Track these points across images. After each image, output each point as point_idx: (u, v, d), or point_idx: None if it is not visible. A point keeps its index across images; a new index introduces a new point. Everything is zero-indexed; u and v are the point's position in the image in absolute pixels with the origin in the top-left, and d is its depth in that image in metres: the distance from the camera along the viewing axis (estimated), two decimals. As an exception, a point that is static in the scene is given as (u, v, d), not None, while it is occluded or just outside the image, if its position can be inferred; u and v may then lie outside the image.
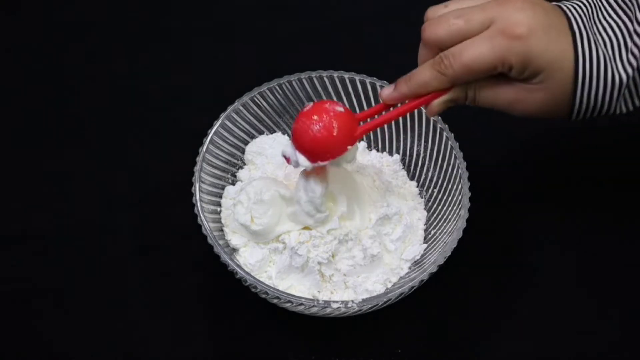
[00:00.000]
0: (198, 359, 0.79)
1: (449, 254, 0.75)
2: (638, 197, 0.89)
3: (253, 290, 0.74)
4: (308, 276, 0.77)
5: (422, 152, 0.85)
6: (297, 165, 0.73)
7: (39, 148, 0.91)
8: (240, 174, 0.84)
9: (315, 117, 0.71)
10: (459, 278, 0.82)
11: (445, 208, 0.81)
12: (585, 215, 0.88)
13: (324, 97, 0.86)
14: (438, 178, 0.83)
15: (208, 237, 0.75)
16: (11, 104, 0.94)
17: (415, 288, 0.74)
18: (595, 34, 0.68)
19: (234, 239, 0.79)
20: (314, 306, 0.73)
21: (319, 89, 0.85)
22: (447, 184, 0.81)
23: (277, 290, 0.73)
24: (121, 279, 0.83)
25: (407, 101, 0.73)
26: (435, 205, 0.83)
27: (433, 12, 0.72)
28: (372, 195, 0.80)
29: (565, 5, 0.70)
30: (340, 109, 0.72)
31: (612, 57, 0.68)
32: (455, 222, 0.78)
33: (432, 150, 0.84)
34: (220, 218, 0.80)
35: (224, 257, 0.74)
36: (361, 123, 0.74)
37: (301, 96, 0.86)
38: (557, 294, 0.83)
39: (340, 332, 0.80)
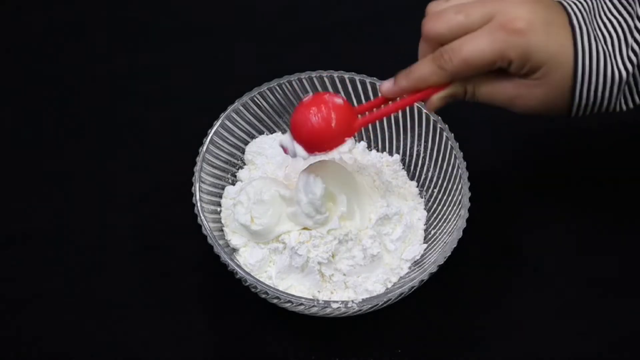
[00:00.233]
0: (198, 359, 0.79)
1: (449, 254, 0.75)
2: (638, 197, 0.89)
3: (253, 290, 0.74)
4: (308, 276, 0.77)
5: (422, 152, 0.85)
6: (294, 155, 0.73)
7: (39, 148, 0.91)
8: (240, 174, 0.84)
9: (314, 109, 0.71)
10: (459, 278, 0.82)
11: (445, 208, 0.81)
12: (585, 215, 0.88)
13: (324, 97, 0.86)
14: (438, 178, 0.83)
15: (208, 237, 0.75)
16: (11, 104, 0.94)
17: (415, 288, 0.74)
18: (595, 29, 0.69)
19: (234, 239, 0.79)
20: (314, 306, 0.73)
21: (319, 89, 0.85)
22: (447, 184, 0.81)
23: (277, 290, 0.73)
24: (121, 279, 0.83)
25: (405, 95, 0.73)
26: (435, 205, 0.83)
27: (434, 6, 0.72)
28: (372, 195, 0.80)
29: (565, 1, 0.70)
30: (339, 100, 0.72)
31: (611, 53, 0.68)
32: (455, 222, 0.78)
33: (432, 150, 0.84)
34: (220, 218, 0.80)
35: (224, 257, 0.74)
36: (360, 117, 0.74)
37: (301, 96, 0.86)
38: (557, 294, 0.83)
39: (340, 332, 0.80)
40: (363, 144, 0.87)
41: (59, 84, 0.96)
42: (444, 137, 0.82)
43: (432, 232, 0.81)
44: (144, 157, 0.91)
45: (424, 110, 0.83)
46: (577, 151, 0.92)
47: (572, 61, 0.68)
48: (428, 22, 0.71)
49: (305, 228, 0.77)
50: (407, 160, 0.86)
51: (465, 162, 0.79)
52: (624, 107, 0.70)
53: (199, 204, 0.77)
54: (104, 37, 1.00)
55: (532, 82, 0.69)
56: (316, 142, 0.72)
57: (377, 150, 0.87)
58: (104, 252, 0.84)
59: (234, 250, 0.79)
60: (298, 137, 0.72)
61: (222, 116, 0.82)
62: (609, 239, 0.86)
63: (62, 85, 0.96)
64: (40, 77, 0.96)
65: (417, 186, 0.85)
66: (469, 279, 0.83)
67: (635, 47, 0.67)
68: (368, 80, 0.84)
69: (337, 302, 0.73)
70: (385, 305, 0.75)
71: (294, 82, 0.85)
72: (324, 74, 0.85)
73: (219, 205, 0.81)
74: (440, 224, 0.81)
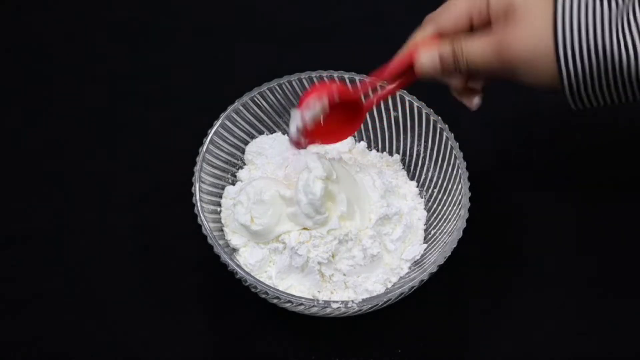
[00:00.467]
0: (198, 359, 0.79)
1: (449, 254, 0.75)
2: (638, 197, 0.89)
3: (253, 290, 0.74)
4: (308, 276, 0.77)
5: (422, 152, 0.85)
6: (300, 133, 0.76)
7: (39, 148, 0.91)
8: (240, 174, 0.84)
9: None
10: (459, 278, 0.82)
11: (445, 208, 0.81)
12: (586, 215, 0.88)
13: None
14: (438, 178, 0.83)
15: (208, 237, 0.75)
16: (11, 104, 0.94)
17: (415, 288, 0.74)
18: None
19: (234, 239, 0.79)
20: (314, 306, 0.73)
21: (319, 89, 0.85)
22: (447, 184, 0.81)
23: (277, 290, 0.73)
24: (121, 279, 0.83)
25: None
26: (435, 205, 0.83)
27: None
28: (372, 195, 0.80)
29: None
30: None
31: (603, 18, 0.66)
32: (455, 222, 0.78)
33: (432, 150, 0.84)
34: (220, 218, 0.80)
35: (224, 257, 0.74)
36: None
37: (301, 96, 0.86)
38: (557, 294, 0.83)
39: (340, 332, 0.80)
40: (363, 144, 0.87)
41: (59, 84, 0.96)
42: (444, 137, 0.82)
43: (432, 232, 0.81)
44: (144, 157, 0.91)
45: (424, 110, 0.83)
46: (577, 151, 0.92)
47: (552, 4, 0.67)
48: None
49: (305, 228, 0.77)
50: (407, 160, 0.86)
51: (465, 162, 0.79)
52: (630, 98, 0.69)
53: (199, 204, 0.77)
54: (104, 37, 1.00)
55: (514, 25, 0.68)
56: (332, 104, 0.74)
57: (377, 150, 0.87)
58: (104, 252, 0.84)
59: (234, 250, 0.79)
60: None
61: (222, 116, 0.82)
62: (609, 239, 0.86)
63: (62, 85, 0.96)
64: (40, 77, 0.96)
65: (417, 186, 0.85)
66: (469, 279, 0.83)
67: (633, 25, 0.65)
68: (368, 80, 0.84)
69: (337, 302, 0.73)
70: (385, 305, 0.75)
71: (294, 82, 0.85)
72: (324, 74, 0.85)
73: (219, 205, 0.81)
74: (440, 224, 0.81)
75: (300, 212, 0.76)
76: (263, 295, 0.74)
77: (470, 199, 0.77)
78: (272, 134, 0.86)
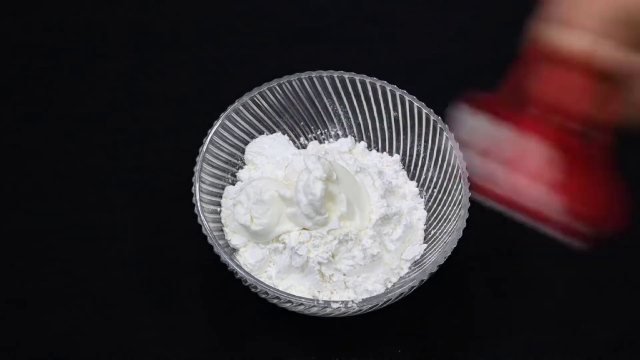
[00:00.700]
0: (198, 359, 0.79)
1: (449, 254, 0.75)
2: (638, 196, 0.89)
3: (253, 290, 0.74)
4: (308, 276, 0.77)
5: (422, 152, 0.85)
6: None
7: (39, 148, 0.91)
8: (240, 174, 0.84)
9: None
10: (459, 278, 0.82)
11: (445, 208, 0.81)
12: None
13: (324, 97, 0.86)
14: (438, 178, 0.83)
15: (208, 237, 0.75)
16: (11, 104, 0.94)
17: (415, 288, 0.74)
18: None
19: (234, 239, 0.79)
20: (314, 306, 0.73)
21: (319, 89, 0.85)
22: (447, 184, 0.81)
23: (277, 290, 0.73)
24: (121, 279, 0.83)
25: None
26: (435, 205, 0.83)
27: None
28: (372, 195, 0.80)
29: None
30: None
31: None
32: (455, 222, 0.78)
33: (432, 150, 0.84)
34: (220, 218, 0.80)
35: (224, 257, 0.74)
36: None
37: (301, 96, 0.86)
38: (557, 294, 0.83)
39: (340, 332, 0.80)
40: (363, 144, 0.87)
41: (59, 84, 0.96)
42: (444, 137, 0.82)
43: (432, 232, 0.81)
44: (144, 157, 0.91)
45: (424, 110, 0.83)
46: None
47: None
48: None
49: (305, 228, 0.77)
50: (407, 160, 0.86)
51: (465, 162, 0.79)
52: None
53: (199, 204, 0.77)
54: (104, 37, 1.00)
55: None
56: None
57: (377, 150, 0.87)
58: (104, 252, 0.84)
59: (234, 250, 0.79)
60: None
61: (222, 116, 0.82)
62: (608, 239, 0.86)
63: (62, 85, 0.95)
64: (40, 77, 0.96)
65: (417, 186, 0.85)
66: (469, 279, 0.83)
67: None
68: (368, 80, 0.84)
69: (337, 302, 0.73)
70: (385, 305, 0.75)
71: (294, 82, 0.85)
72: (324, 74, 0.85)
73: (219, 205, 0.81)
74: (440, 224, 0.81)
75: (300, 213, 0.76)
76: (263, 295, 0.74)
77: (470, 199, 0.77)
78: (272, 134, 0.86)
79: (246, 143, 0.85)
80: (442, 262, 0.74)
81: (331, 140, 0.88)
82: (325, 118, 0.87)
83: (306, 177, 0.75)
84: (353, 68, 0.85)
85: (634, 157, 0.92)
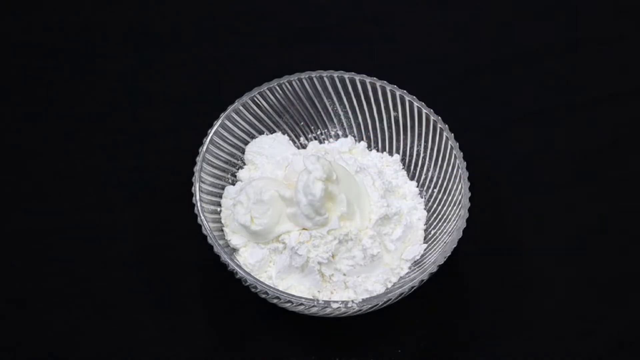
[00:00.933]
0: (198, 359, 0.79)
1: (449, 254, 0.75)
2: (638, 196, 0.89)
3: (253, 290, 0.74)
4: (308, 276, 0.77)
5: (422, 152, 0.85)
6: None
7: (39, 148, 0.91)
8: (240, 174, 0.84)
9: None
10: (459, 278, 0.82)
11: (445, 208, 0.81)
12: (586, 216, 0.88)
13: (324, 97, 0.86)
14: (438, 178, 0.83)
15: (208, 237, 0.75)
16: (11, 104, 0.94)
17: (415, 288, 0.74)
18: None
19: (234, 239, 0.79)
20: (314, 306, 0.73)
21: (319, 89, 0.86)
22: (447, 184, 0.81)
23: (277, 290, 0.73)
24: (121, 279, 0.83)
25: None
26: (435, 205, 0.83)
27: None
28: (372, 195, 0.80)
29: None
30: None
31: None
32: (455, 222, 0.78)
33: (432, 150, 0.84)
34: (220, 218, 0.80)
35: (224, 257, 0.74)
36: None
37: (301, 96, 0.86)
38: (557, 294, 0.83)
39: (340, 332, 0.80)
40: (363, 144, 0.87)
41: (59, 83, 0.96)
42: (444, 137, 0.82)
43: (432, 232, 0.81)
44: (144, 157, 0.91)
45: (424, 110, 0.83)
46: (577, 151, 0.92)
47: None
48: None
49: (304, 228, 0.77)
50: (407, 160, 0.86)
51: (465, 162, 0.79)
52: None
53: (199, 204, 0.77)
54: (104, 37, 1.00)
55: None
56: None
57: (377, 150, 0.87)
58: (104, 252, 0.84)
59: (234, 250, 0.79)
60: None
61: (222, 116, 0.82)
62: (610, 239, 0.86)
63: (62, 85, 0.96)
64: (40, 77, 0.96)
65: (417, 186, 0.85)
66: (469, 279, 0.83)
67: None
68: (368, 80, 0.84)
69: (337, 302, 0.73)
70: (385, 305, 0.75)
71: (294, 82, 0.85)
72: (324, 74, 0.85)
73: (219, 205, 0.81)
74: (440, 224, 0.81)
75: (300, 213, 0.76)
76: (263, 295, 0.74)
77: (470, 199, 0.77)
78: (272, 134, 0.86)
79: (246, 143, 0.85)
80: (442, 262, 0.74)
81: (331, 140, 0.88)
82: (325, 118, 0.87)
83: (306, 177, 0.75)
84: (353, 68, 0.85)
85: (634, 157, 0.92)
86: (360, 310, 0.74)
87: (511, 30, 1.02)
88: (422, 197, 0.84)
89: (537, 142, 0.93)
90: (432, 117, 0.83)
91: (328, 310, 0.73)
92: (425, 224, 0.83)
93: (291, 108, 0.86)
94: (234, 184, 0.83)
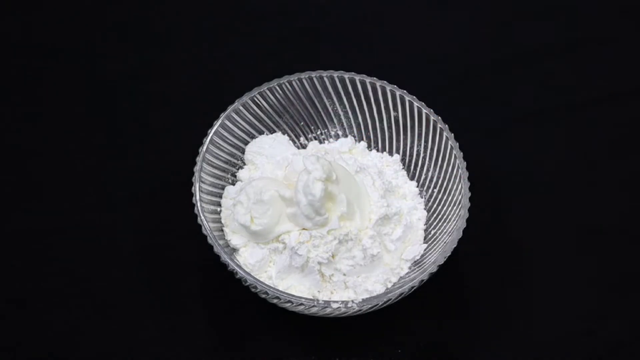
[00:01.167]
0: (198, 359, 0.79)
1: (449, 254, 0.75)
2: (638, 196, 0.89)
3: (253, 290, 0.74)
4: (308, 276, 0.77)
5: (422, 152, 0.85)
6: None
7: (39, 148, 0.91)
8: (240, 174, 0.84)
9: None
10: (459, 278, 0.82)
11: (445, 208, 0.81)
12: (587, 216, 0.88)
13: (324, 97, 0.86)
14: (438, 178, 0.83)
15: (208, 237, 0.75)
16: (11, 104, 0.94)
17: (415, 288, 0.74)
18: None
19: (234, 239, 0.79)
20: (314, 306, 0.73)
21: (319, 89, 0.86)
22: (447, 184, 0.81)
23: (277, 290, 0.73)
24: (121, 279, 0.83)
25: None
26: (435, 205, 0.83)
27: None
28: (372, 195, 0.80)
29: None
30: None
31: None
32: (455, 222, 0.78)
33: (432, 150, 0.84)
34: (220, 218, 0.80)
35: (224, 257, 0.74)
36: None
37: (301, 96, 0.86)
38: (557, 293, 0.83)
39: (340, 332, 0.80)
40: (363, 144, 0.87)
41: (59, 83, 0.96)
42: (444, 137, 0.82)
43: (432, 232, 0.81)
44: (144, 157, 0.91)
45: (424, 110, 0.83)
46: (577, 151, 0.92)
47: None
48: None
49: (305, 228, 0.77)
50: (407, 160, 0.86)
51: (465, 162, 0.79)
52: None
53: (199, 204, 0.77)
54: (104, 37, 1.00)
55: None
56: None
57: (377, 150, 0.87)
58: (104, 252, 0.84)
59: (234, 250, 0.79)
60: None
61: (222, 116, 0.82)
62: (610, 239, 0.86)
63: (62, 85, 0.96)
64: (40, 77, 0.96)
65: (417, 186, 0.85)
66: (469, 279, 0.83)
67: None
68: (368, 80, 0.84)
69: (337, 302, 0.73)
70: (385, 305, 0.75)
71: (294, 82, 0.85)
72: (324, 74, 0.85)
73: (219, 205, 0.81)
74: (440, 224, 0.81)
75: (299, 213, 0.76)
76: (263, 295, 0.74)
77: (470, 199, 0.77)
78: (272, 134, 0.86)
79: (246, 143, 0.85)
80: (442, 262, 0.74)
81: (331, 140, 0.88)
82: (325, 118, 0.87)
83: (306, 177, 0.75)
84: (353, 68, 0.85)
85: (634, 157, 0.92)
86: (360, 310, 0.74)
87: (511, 30, 1.02)
88: (422, 197, 0.84)
89: (537, 142, 0.93)
90: (432, 117, 0.83)
91: (328, 310, 0.73)
92: (425, 224, 0.83)
93: (291, 108, 0.86)
94: (234, 184, 0.83)
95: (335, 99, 0.86)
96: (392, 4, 1.03)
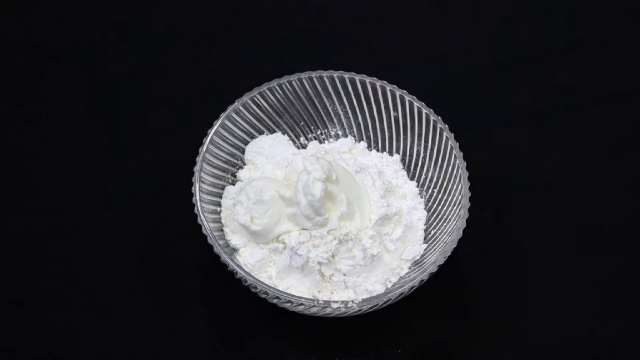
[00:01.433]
0: (198, 359, 0.79)
1: (449, 254, 0.75)
2: (637, 196, 0.89)
3: (253, 290, 0.74)
4: (308, 276, 0.77)
5: (422, 152, 0.85)
6: None
7: (39, 148, 0.91)
8: (240, 174, 0.84)
9: None
10: (459, 278, 0.82)
11: (445, 208, 0.81)
12: (586, 216, 0.88)
13: (324, 97, 0.86)
14: (438, 178, 0.83)
15: (208, 237, 0.75)
16: (11, 104, 0.94)
17: (415, 288, 0.74)
18: None
19: (234, 239, 0.79)
20: (314, 306, 0.73)
21: (319, 89, 0.86)
22: (447, 184, 0.81)
23: (277, 290, 0.73)
24: (121, 279, 0.83)
25: None
26: (435, 205, 0.83)
27: None
28: (372, 195, 0.80)
29: None
30: None
31: None
32: (455, 222, 0.78)
33: (432, 150, 0.84)
34: (220, 218, 0.80)
35: (224, 257, 0.74)
36: None
37: (301, 96, 0.86)
38: (557, 294, 0.83)
39: (340, 332, 0.80)
40: (363, 144, 0.87)
41: (59, 83, 0.96)
42: (444, 137, 0.82)
43: (432, 232, 0.81)
44: (144, 157, 0.91)
45: (424, 110, 0.83)
46: (577, 151, 0.92)
47: None
48: None
49: (305, 228, 0.77)
50: (407, 160, 0.86)
51: (465, 162, 0.79)
52: None
53: (199, 204, 0.77)
54: (104, 37, 1.00)
55: None
56: None
57: (377, 150, 0.87)
58: (104, 252, 0.84)
59: (234, 250, 0.79)
60: None
61: (222, 116, 0.82)
62: (610, 239, 0.86)
63: (62, 85, 0.95)
64: (40, 77, 0.96)
65: (417, 186, 0.85)
66: (469, 279, 0.83)
67: None
68: (368, 80, 0.84)
69: (337, 302, 0.73)
70: (385, 305, 0.75)
71: (294, 82, 0.85)
72: (324, 74, 0.85)
73: (219, 205, 0.81)
74: (440, 224, 0.81)
75: (299, 213, 0.76)
76: (263, 295, 0.74)
77: (470, 199, 0.77)
78: (272, 134, 0.86)
79: (246, 143, 0.85)
80: (442, 262, 0.74)
81: (331, 140, 0.88)
82: (325, 118, 0.87)
83: (305, 177, 0.75)
84: (353, 68, 0.85)
85: (634, 157, 0.92)
86: (360, 310, 0.74)
87: (511, 30, 1.02)
88: (422, 197, 0.84)
89: (537, 142, 0.93)
90: (432, 117, 0.83)
91: (328, 310, 0.73)
92: (425, 224, 0.83)
93: (291, 108, 0.86)
94: (234, 184, 0.83)
95: (335, 99, 0.86)
96: (392, 4, 1.03)
